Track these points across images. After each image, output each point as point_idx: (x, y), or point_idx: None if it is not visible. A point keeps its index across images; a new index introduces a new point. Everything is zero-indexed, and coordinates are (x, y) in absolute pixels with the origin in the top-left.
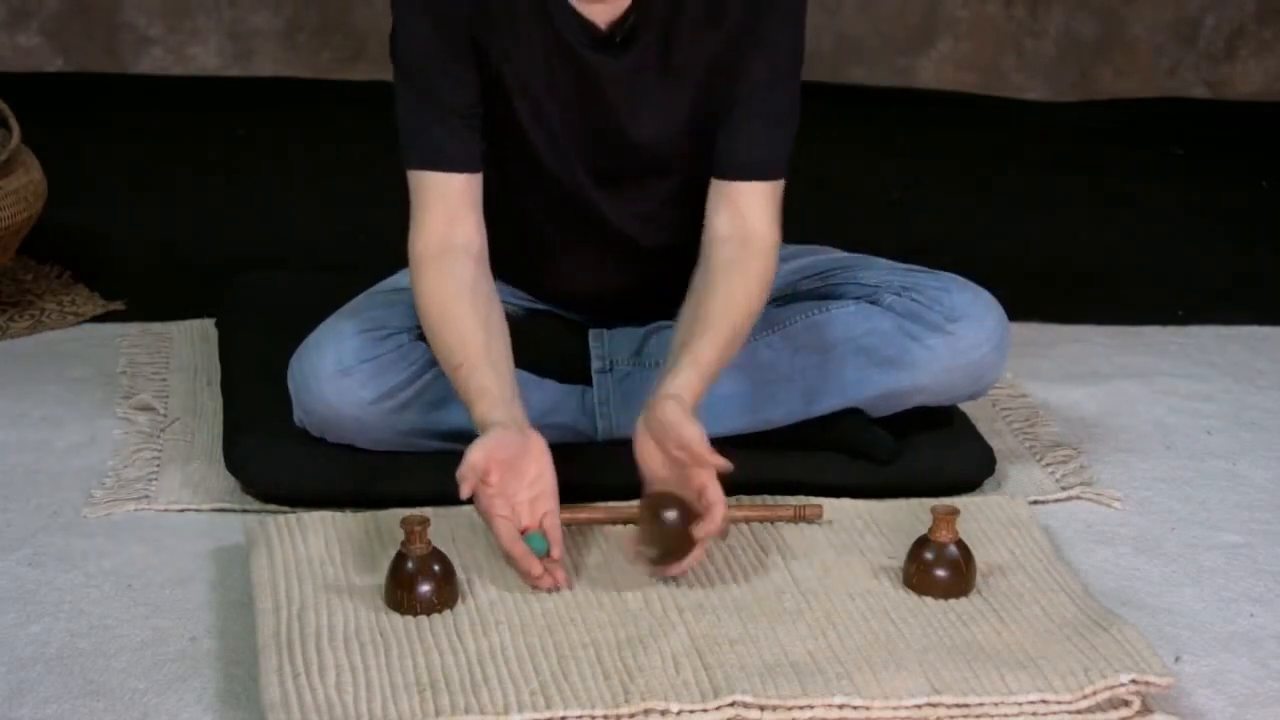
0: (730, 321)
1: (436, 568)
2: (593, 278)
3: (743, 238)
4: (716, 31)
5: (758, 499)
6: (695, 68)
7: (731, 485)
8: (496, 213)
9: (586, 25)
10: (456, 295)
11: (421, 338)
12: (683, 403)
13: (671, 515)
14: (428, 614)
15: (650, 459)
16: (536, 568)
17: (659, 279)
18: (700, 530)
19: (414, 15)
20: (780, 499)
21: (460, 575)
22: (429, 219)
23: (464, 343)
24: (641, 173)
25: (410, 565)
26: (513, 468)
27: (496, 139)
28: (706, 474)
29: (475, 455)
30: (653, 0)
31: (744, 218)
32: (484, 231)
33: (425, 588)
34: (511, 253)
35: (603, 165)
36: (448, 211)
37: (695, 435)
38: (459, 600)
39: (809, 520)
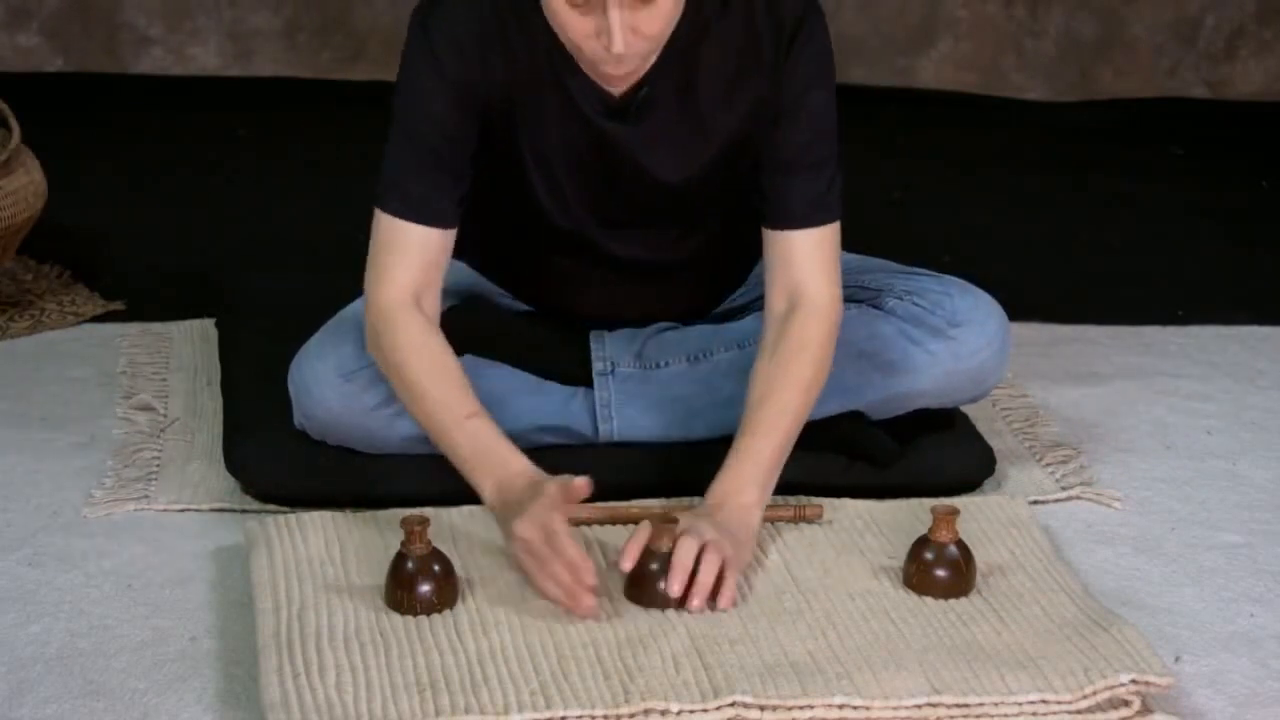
0: (793, 415)
1: (436, 568)
2: (595, 297)
3: (798, 303)
4: (739, 99)
5: None
6: (716, 130)
7: None
8: (498, 242)
9: (601, 94)
10: (444, 347)
11: None
12: (750, 520)
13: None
14: (428, 614)
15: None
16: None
17: (664, 294)
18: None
19: (425, 72)
20: (780, 499)
21: (460, 575)
22: (400, 269)
23: (466, 394)
24: (651, 221)
25: (410, 565)
26: None
27: (502, 189)
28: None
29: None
30: (666, 71)
31: (798, 279)
32: (440, 304)
33: (425, 588)
34: (513, 274)
35: (613, 216)
36: (424, 266)
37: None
38: (459, 600)
39: (809, 520)
